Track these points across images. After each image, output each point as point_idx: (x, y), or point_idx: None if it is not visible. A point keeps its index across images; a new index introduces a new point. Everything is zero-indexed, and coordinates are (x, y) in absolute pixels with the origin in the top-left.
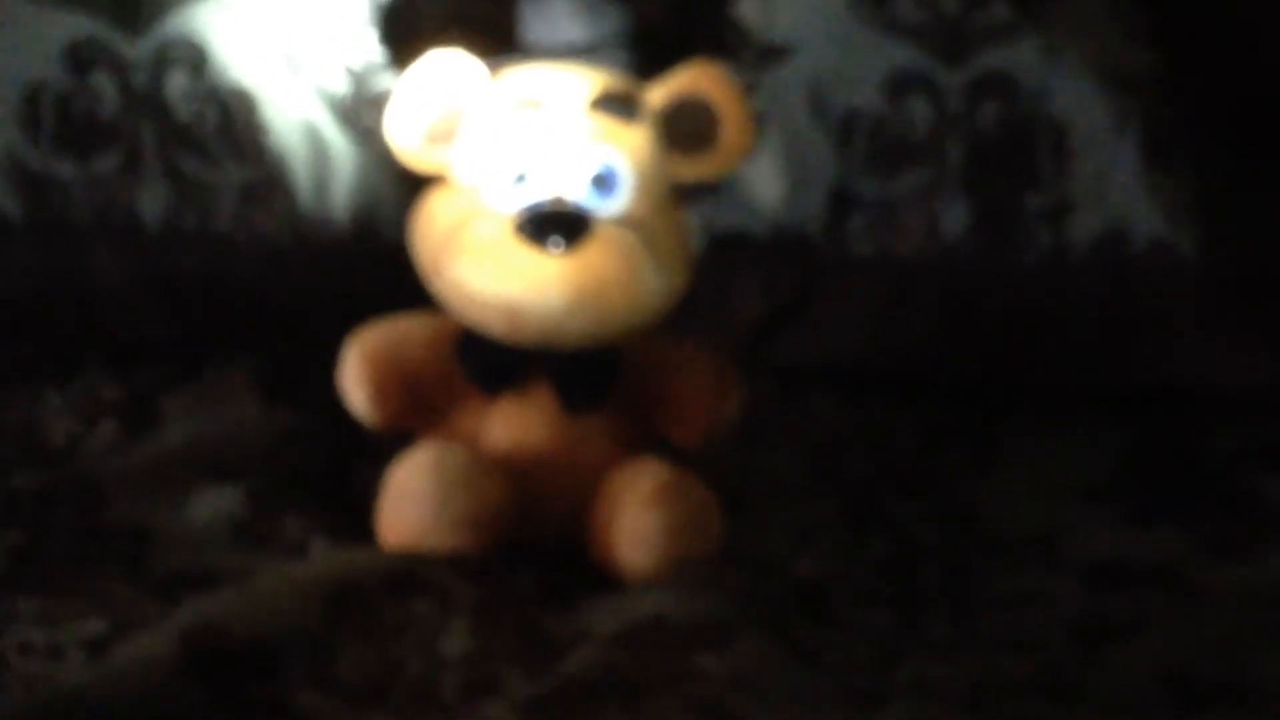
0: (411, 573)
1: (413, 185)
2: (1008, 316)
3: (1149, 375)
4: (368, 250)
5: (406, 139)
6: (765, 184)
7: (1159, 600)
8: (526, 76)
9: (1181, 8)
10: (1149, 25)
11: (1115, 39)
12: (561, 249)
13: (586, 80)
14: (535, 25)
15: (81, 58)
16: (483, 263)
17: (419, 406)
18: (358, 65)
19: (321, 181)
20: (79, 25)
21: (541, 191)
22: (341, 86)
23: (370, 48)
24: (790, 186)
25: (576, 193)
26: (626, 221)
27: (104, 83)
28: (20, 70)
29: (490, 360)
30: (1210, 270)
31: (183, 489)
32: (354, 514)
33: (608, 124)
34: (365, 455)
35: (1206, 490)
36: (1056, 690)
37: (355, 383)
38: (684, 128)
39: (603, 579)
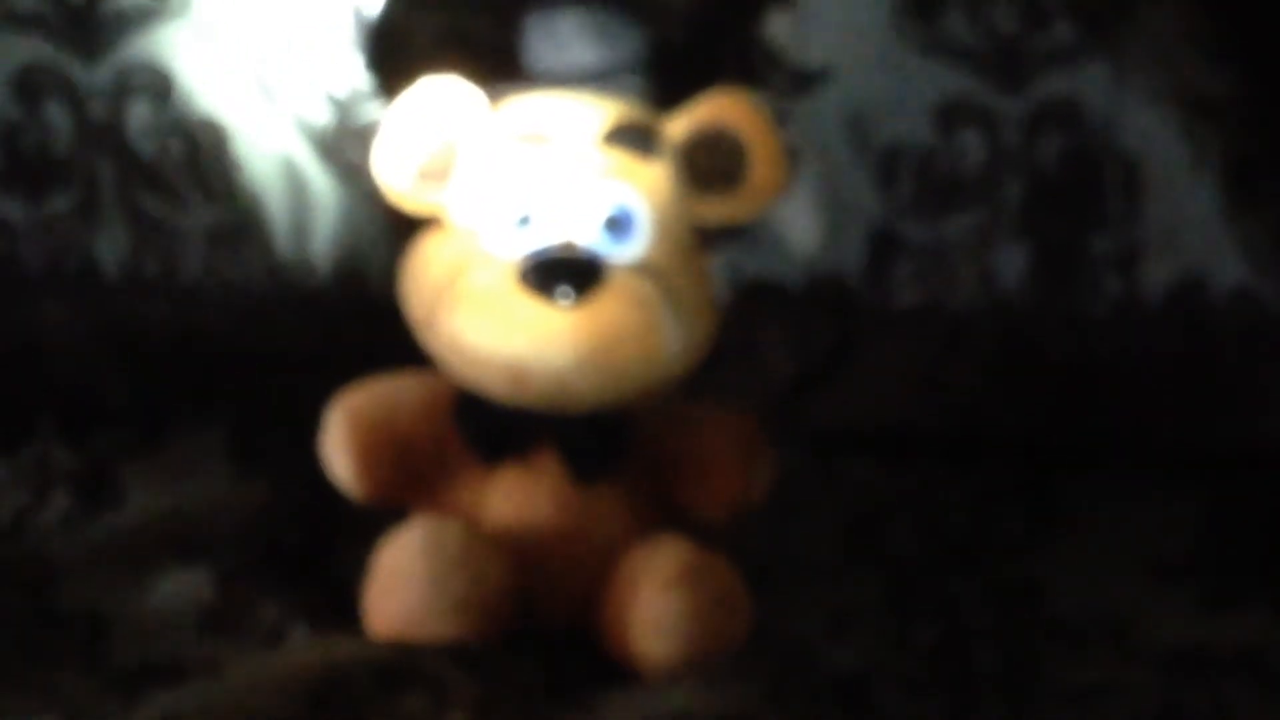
0: (403, 664)
1: (403, 228)
2: (1070, 373)
3: (1230, 438)
4: (352, 301)
5: (396, 176)
6: (799, 226)
7: (1245, 692)
8: (531, 106)
9: (1266, 26)
10: (1230, 46)
11: (1192, 62)
12: (571, 300)
13: (599, 110)
14: (541, 48)
15: (32, 86)
16: (482, 316)
17: (410, 477)
18: (341, 93)
19: (301, 223)
20: (29, 49)
21: (548, 236)
22: (323, 117)
23: (355, 73)
24: (827, 229)
25: (587, 237)
26: (643, 269)
27: (57, 113)
28: None
29: (491, 425)
30: None
31: (145, 570)
32: (337, 598)
33: (622, 159)
34: (349, 532)
35: None
36: None
37: (339, 450)
38: (708, 164)
39: (617, 671)
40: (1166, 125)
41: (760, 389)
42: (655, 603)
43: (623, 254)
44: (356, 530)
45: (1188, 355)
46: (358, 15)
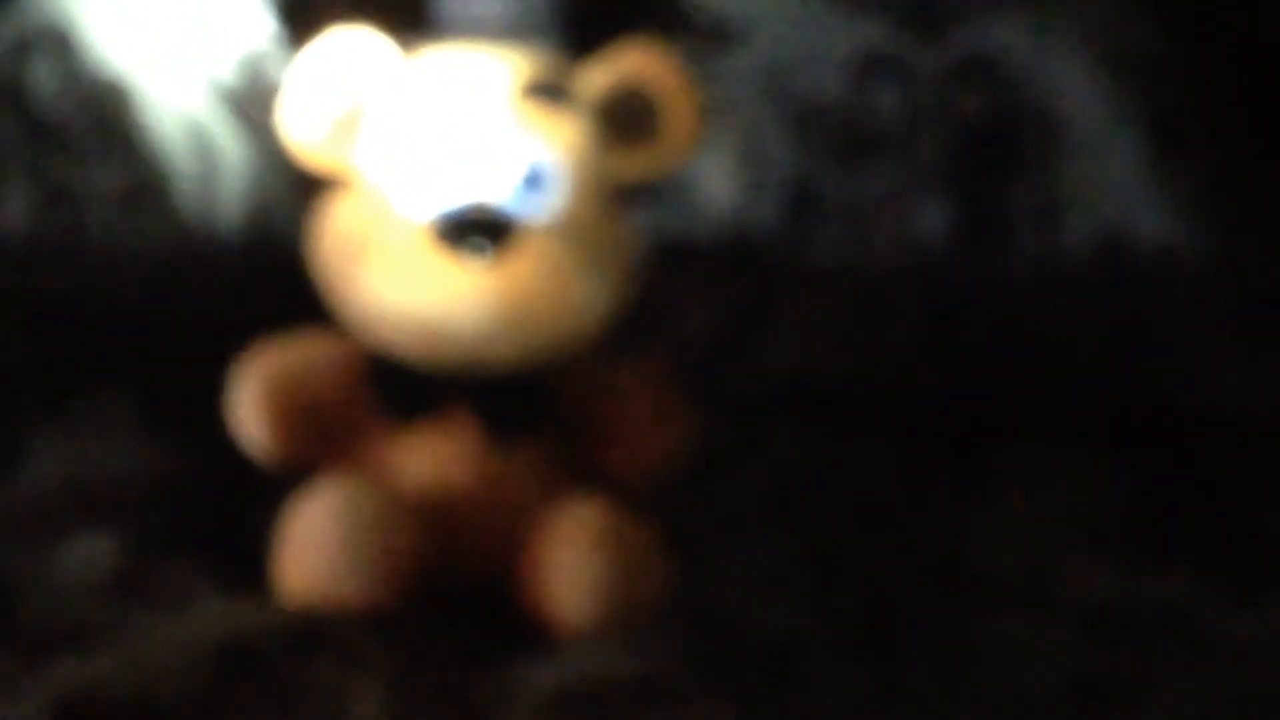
0: (315, 629)
1: (312, 188)
2: (994, 331)
3: (1154, 396)
4: (261, 263)
5: (305, 134)
6: (716, 183)
7: (1169, 652)
8: (442, 59)
9: None
10: None
11: (1114, 14)
12: (485, 259)
13: (511, 64)
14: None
15: None
16: (394, 276)
17: (322, 439)
18: (249, 50)
19: (208, 185)
20: None
21: (461, 194)
22: (231, 75)
23: (264, 29)
24: (744, 186)
25: (502, 195)
26: (559, 227)
27: None
28: None
29: (405, 386)
30: (1223, 277)
31: (52, 536)
32: (247, 563)
33: (537, 114)
34: (259, 496)
35: (1221, 526)
36: None
37: (250, 412)
38: (622, 118)
39: (533, 634)
40: (1089, 78)
41: (678, 349)
42: (572, 564)
43: (538, 211)
44: (266, 494)
45: (1111, 312)
46: None
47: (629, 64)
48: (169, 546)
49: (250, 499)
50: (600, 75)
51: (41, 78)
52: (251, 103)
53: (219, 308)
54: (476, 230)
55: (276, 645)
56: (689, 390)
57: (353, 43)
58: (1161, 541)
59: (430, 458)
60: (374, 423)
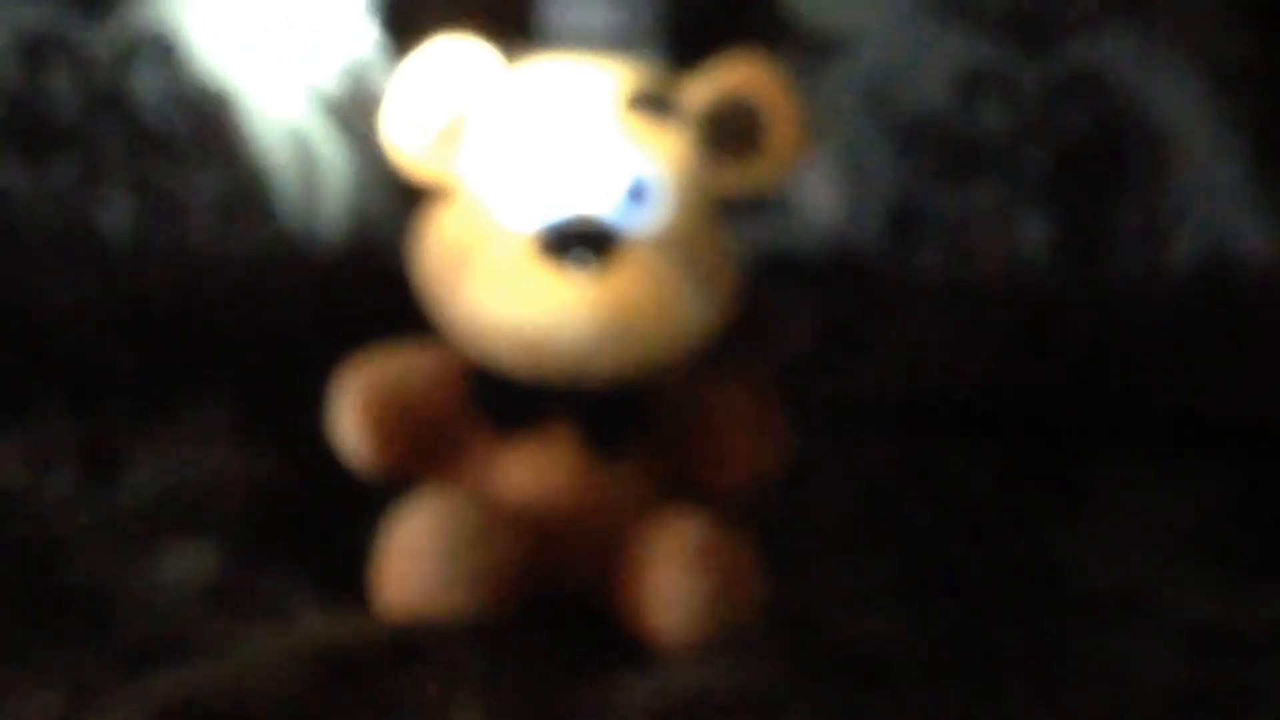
0: (413, 640)
1: (415, 198)
2: (1094, 346)
3: (1257, 410)
4: (362, 272)
5: (407, 144)
6: (819, 197)
7: (1272, 671)
8: (546, 69)
9: None
10: (1259, 13)
11: (1220, 29)
12: (589, 271)
13: (616, 75)
14: (557, 8)
15: (35, 51)
16: (498, 287)
17: (421, 450)
18: (352, 59)
19: (310, 193)
20: (31, 14)
21: (566, 206)
22: (333, 84)
23: (367, 38)
24: (847, 200)
25: (606, 207)
26: (663, 240)
27: (60, 79)
28: None
29: (506, 397)
30: None
31: (151, 545)
32: (346, 574)
33: (641, 127)
34: (358, 507)
35: None
36: None
37: (351, 422)
38: (726, 132)
39: (632, 647)
40: (1194, 93)
41: (778, 363)
42: (671, 579)
43: (641, 224)
44: (365, 504)
45: (1213, 328)
46: None
47: (733, 77)
48: (268, 557)
49: (350, 510)
50: (704, 88)
51: (145, 85)
52: (354, 112)
53: (320, 317)
54: (580, 242)
55: (375, 656)
56: (788, 405)
57: (456, 51)
58: (1262, 556)
59: (530, 470)
60: (475, 434)
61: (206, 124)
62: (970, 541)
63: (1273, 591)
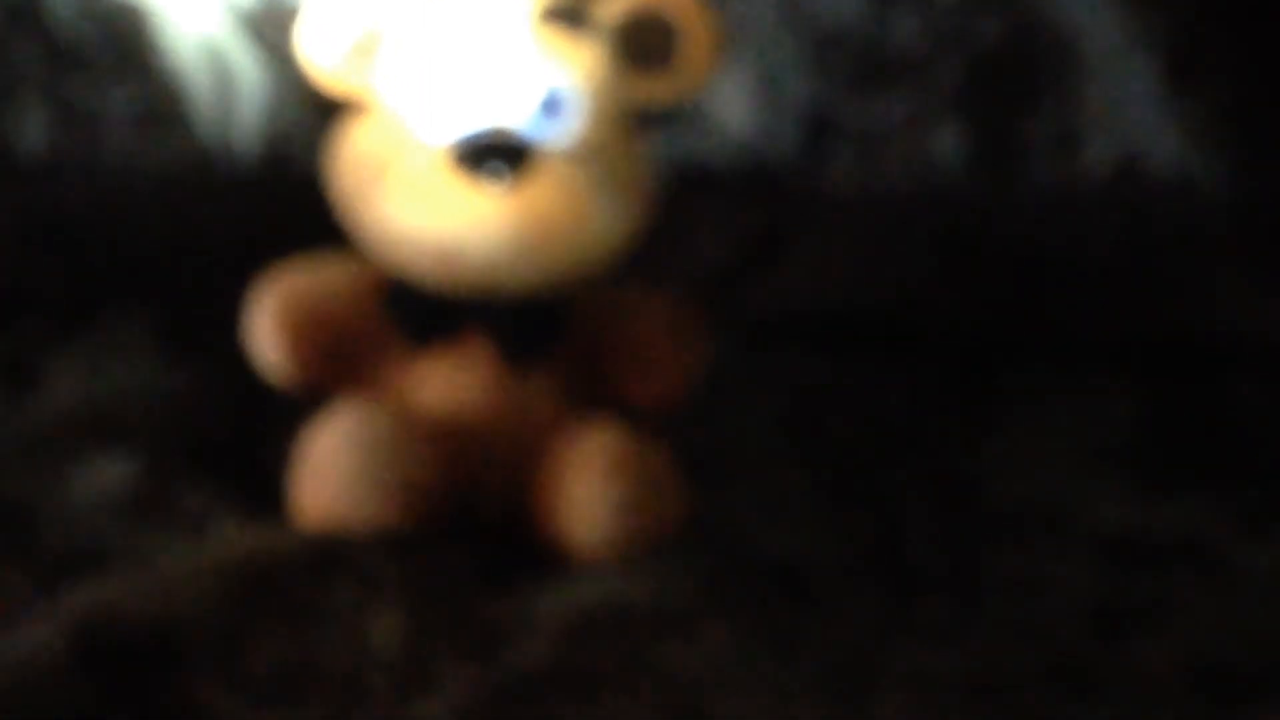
0: (332, 552)
1: (330, 112)
2: (1009, 259)
3: (1171, 324)
4: (278, 186)
5: (322, 57)
6: (733, 109)
7: (1185, 580)
8: None
9: None
10: None
11: None
12: (503, 183)
13: None
14: None
15: None
16: (413, 200)
17: (338, 362)
18: None
19: (225, 106)
20: None
21: (479, 118)
22: None
23: None
24: (761, 112)
25: (520, 119)
26: (577, 152)
27: None
28: None
29: (421, 309)
30: (1242, 204)
31: (69, 459)
32: (264, 486)
33: (555, 39)
34: (276, 419)
35: (1238, 454)
36: (1070, 681)
37: (267, 335)
38: (640, 44)
39: (550, 558)
40: (1105, 4)
41: (695, 275)
42: (589, 490)
43: (556, 136)
44: (284, 417)
45: (1127, 238)
46: None
47: None
48: (186, 469)
49: (267, 422)
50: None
51: None
52: (269, 25)
53: (235, 230)
54: (494, 155)
55: (294, 568)
56: (704, 316)
57: None
58: (1176, 469)
59: (446, 382)
60: (390, 346)
61: (121, 37)
62: (888, 454)
63: (1185, 504)
